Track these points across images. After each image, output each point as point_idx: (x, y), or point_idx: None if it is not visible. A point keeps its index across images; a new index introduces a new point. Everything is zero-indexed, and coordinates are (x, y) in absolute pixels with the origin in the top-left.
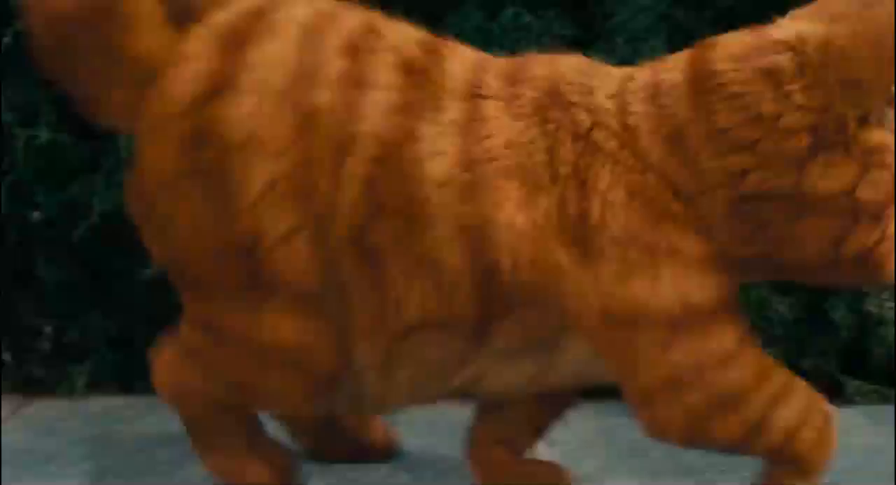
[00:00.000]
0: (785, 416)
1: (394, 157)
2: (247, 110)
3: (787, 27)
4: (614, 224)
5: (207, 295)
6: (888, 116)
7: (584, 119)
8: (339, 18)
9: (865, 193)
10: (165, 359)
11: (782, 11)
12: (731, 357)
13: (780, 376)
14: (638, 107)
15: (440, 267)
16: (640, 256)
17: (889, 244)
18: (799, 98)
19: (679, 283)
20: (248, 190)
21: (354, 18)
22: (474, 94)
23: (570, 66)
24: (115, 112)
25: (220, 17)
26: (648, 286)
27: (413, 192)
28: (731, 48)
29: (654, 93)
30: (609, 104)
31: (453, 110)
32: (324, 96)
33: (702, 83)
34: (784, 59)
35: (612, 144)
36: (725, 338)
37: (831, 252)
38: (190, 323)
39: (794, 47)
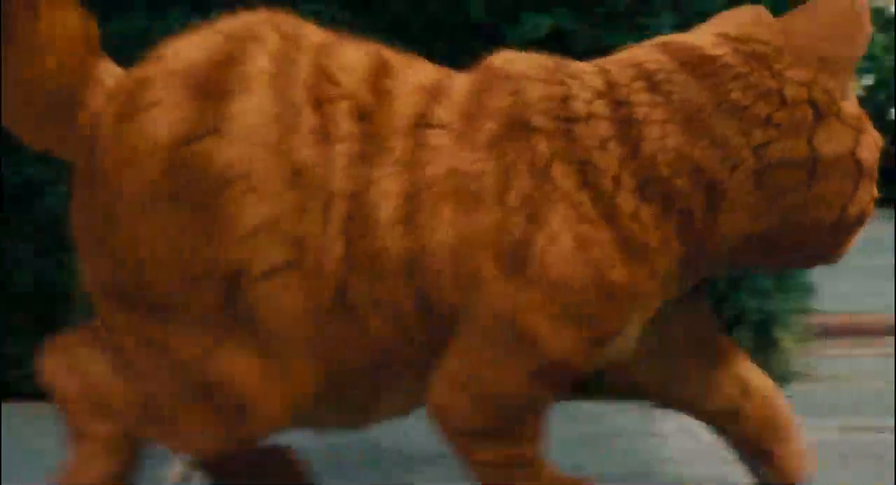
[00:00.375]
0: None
1: (359, 210)
2: (238, 153)
3: (728, 24)
4: (555, 268)
5: (164, 318)
6: (850, 88)
7: (545, 150)
8: (296, 63)
9: (864, 154)
10: (79, 350)
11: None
12: (541, 407)
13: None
14: (641, 97)
15: (397, 311)
16: (565, 303)
17: (872, 203)
18: (791, 74)
19: (577, 342)
20: (241, 223)
21: (308, 60)
22: (419, 125)
23: (537, 79)
24: (36, 136)
25: (184, 61)
26: (552, 327)
27: (372, 241)
28: (701, 40)
29: (651, 83)
30: (600, 107)
31: (398, 149)
32: (307, 153)
33: (704, 67)
34: (760, 46)
35: (569, 181)
36: (549, 395)
37: (839, 214)
38: (125, 336)
39: (755, 38)
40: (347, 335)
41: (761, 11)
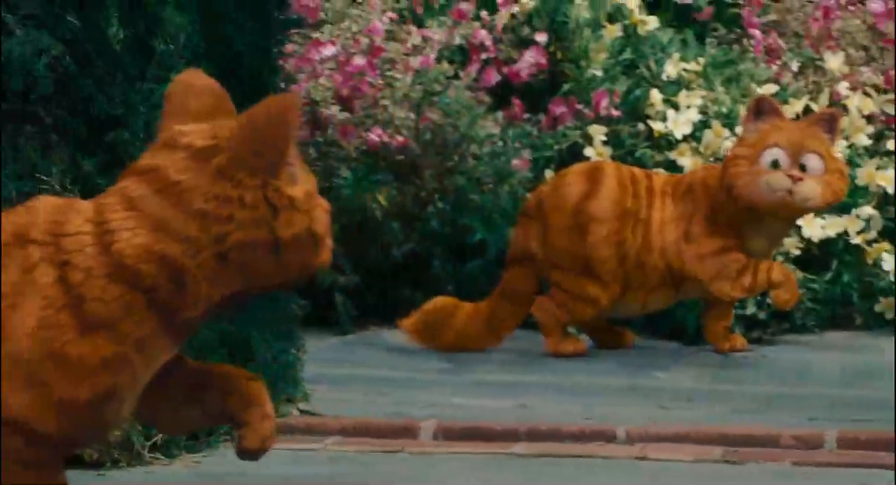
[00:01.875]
0: None
1: None
2: None
3: (187, 135)
4: (17, 343)
5: None
6: (291, 173)
7: (35, 255)
8: None
9: (318, 227)
10: None
11: None
12: (25, 467)
13: None
14: (119, 215)
15: None
16: (23, 371)
17: (329, 253)
18: (249, 182)
19: (35, 405)
20: None
21: None
22: None
23: (43, 208)
24: None
25: None
26: (10, 389)
27: None
28: (173, 166)
29: (130, 205)
30: (86, 227)
31: None
32: None
33: (171, 190)
34: (222, 160)
35: (47, 279)
36: (31, 455)
37: (299, 274)
38: None
39: (221, 149)
40: None
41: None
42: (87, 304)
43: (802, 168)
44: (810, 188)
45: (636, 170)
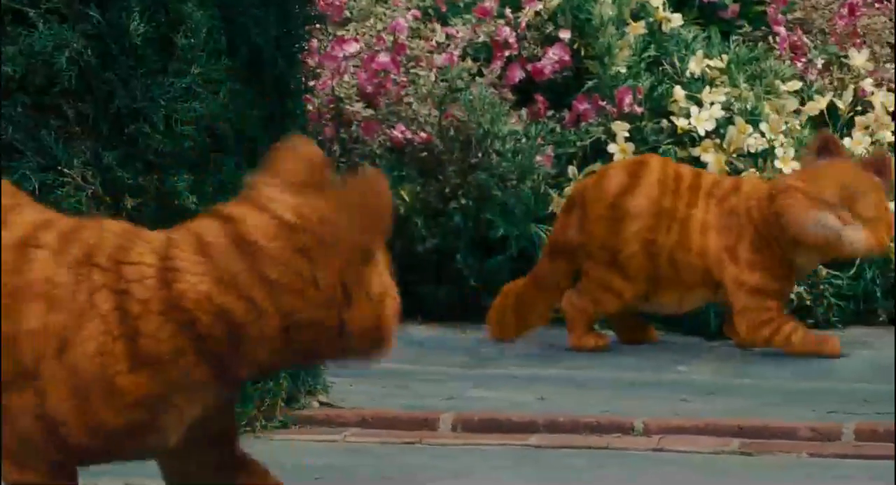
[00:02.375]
0: None
1: None
2: None
3: (278, 203)
4: (76, 362)
5: None
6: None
7: (98, 280)
8: None
9: (388, 322)
10: None
11: None
12: (48, 458)
13: None
14: (188, 255)
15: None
16: (74, 384)
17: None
18: (325, 263)
19: (75, 414)
20: None
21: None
22: (28, 245)
23: (112, 231)
24: None
25: None
26: (59, 395)
27: None
28: (259, 227)
29: (201, 248)
30: (150, 258)
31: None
32: None
33: (249, 249)
34: (307, 238)
35: (107, 306)
36: (53, 450)
37: (358, 359)
38: None
39: (305, 228)
40: None
41: (316, 170)
42: (141, 339)
43: (853, 211)
44: (857, 233)
45: (684, 167)
